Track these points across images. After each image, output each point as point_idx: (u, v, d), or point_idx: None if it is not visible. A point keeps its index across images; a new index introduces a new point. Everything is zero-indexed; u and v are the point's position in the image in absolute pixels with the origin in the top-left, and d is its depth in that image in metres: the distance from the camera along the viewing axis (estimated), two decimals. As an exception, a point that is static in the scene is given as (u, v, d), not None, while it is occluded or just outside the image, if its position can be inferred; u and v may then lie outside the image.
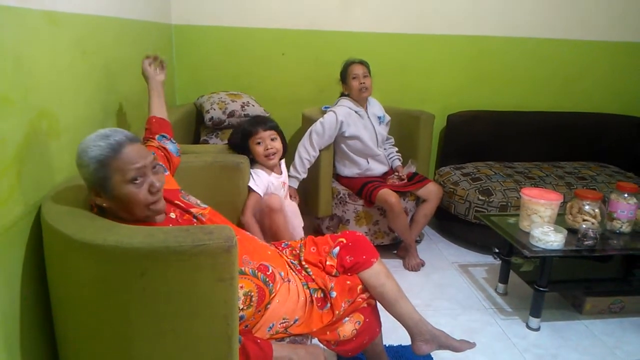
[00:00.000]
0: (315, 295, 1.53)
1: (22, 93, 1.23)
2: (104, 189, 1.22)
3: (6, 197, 1.16)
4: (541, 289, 2.12)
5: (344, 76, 2.73)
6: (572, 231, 2.17)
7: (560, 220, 2.24)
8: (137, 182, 1.22)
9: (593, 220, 2.17)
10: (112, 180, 1.20)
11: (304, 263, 1.61)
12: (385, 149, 2.91)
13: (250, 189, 2.00)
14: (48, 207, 1.25)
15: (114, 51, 1.96)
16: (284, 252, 1.67)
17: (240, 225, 1.96)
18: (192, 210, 1.45)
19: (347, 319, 1.55)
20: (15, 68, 1.20)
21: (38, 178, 1.33)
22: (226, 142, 2.58)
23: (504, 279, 2.46)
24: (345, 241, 1.62)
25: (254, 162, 2.08)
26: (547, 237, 2.05)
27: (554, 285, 2.19)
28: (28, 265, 1.27)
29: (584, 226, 2.13)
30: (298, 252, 1.65)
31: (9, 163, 1.17)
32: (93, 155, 1.19)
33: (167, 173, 1.62)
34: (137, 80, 2.25)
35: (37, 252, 1.30)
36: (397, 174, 2.77)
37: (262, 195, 2.02)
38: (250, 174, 2.03)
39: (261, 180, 2.03)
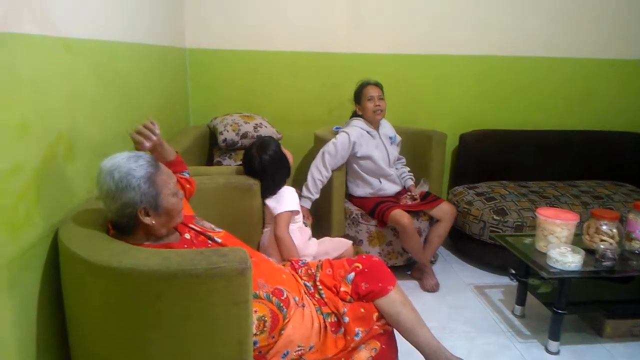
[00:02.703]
0: (329, 320, 1.51)
1: (39, 118, 1.26)
2: (154, 206, 1.25)
3: (24, 221, 1.17)
4: (560, 311, 2.07)
5: (359, 97, 2.74)
6: (590, 252, 2.12)
7: (577, 240, 2.20)
8: (176, 194, 1.32)
9: (611, 241, 2.13)
10: (162, 195, 1.26)
11: (318, 284, 1.59)
12: (397, 168, 2.90)
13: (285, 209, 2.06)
14: (65, 229, 1.26)
15: (128, 75, 1.99)
16: (299, 270, 1.66)
17: (262, 246, 1.98)
18: (208, 233, 1.45)
19: (362, 346, 1.52)
20: (32, 94, 1.23)
21: (55, 201, 1.34)
22: (239, 163, 2.60)
23: (521, 300, 2.41)
24: (361, 267, 1.60)
25: (278, 183, 2.13)
26: (565, 258, 2.01)
27: (572, 307, 2.14)
28: (45, 287, 1.27)
29: (602, 247, 2.09)
30: (314, 272, 1.64)
31: (27, 187, 1.19)
32: (141, 174, 1.23)
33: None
34: (151, 103, 2.28)
35: (54, 274, 1.30)
36: (409, 193, 2.76)
37: (299, 210, 2.12)
38: (279, 194, 2.10)
39: (295, 196, 2.13)
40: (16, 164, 1.14)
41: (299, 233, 2.14)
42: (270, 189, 2.10)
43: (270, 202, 2.10)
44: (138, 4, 2.13)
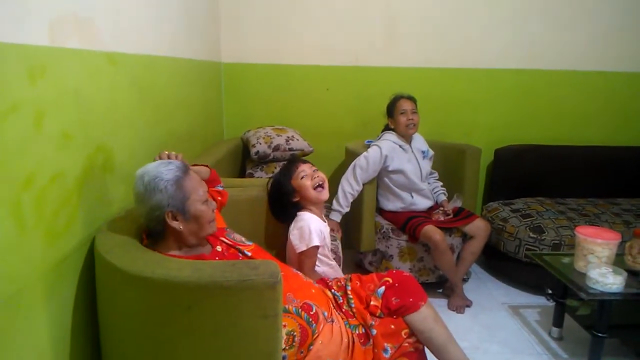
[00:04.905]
0: (357, 332, 1.50)
1: (81, 129, 1.30)
2: (181, 210, 1.27)
3: (64, 229, 1.21)
4: (600, 334, 1.98)
5: (391, 110, 2.72)
6: (633, 273, 2.03)
7: (618, 260, 2.11)
8: (206, 202, 1.33)
9: (656, 262, 2.04)
10: (190, 200, 1.28)
11: (349, 293, 1.58)
12: (429, 183, 2.86)
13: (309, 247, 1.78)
14: (101, 238, 1.29)
15: (166, 88, 2.04)
16: (329, 283, 1.66)
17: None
18: (238, 246, 1.46)
19: (392, 363, 1.49)
20: (75, 106, 1.27)
21: (93, 210, 1.38)
22: (271, 175, 2.61)
23: (558, 322, 2.33)
24: (391, 281, 1.58)
25: (297, 207, 1.91)
26: (606, 279, 1.93)
27: (614, 331, 2.04)
28: (80, 295, 1.30)
29: (646, 268, 2.00)
30: (344, 284, 1.64)
31: (68, 196, 1.23)
32: (169, 177, 1.25)
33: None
34: (187, 116, 2.33)
35: (89, 282, 1.33)
36: (442, 208, 2.71)
37: (320, 244, 1.83)
38: (299, 222, 1.83)
39: (318, 228, 1.83)
40: (58, 172, 1.18)
41: (332, 271, 1.92)
42: (284, 216, 1.95)
43: (292, 234, 1.84)
44: (177, 19, 2.19)
